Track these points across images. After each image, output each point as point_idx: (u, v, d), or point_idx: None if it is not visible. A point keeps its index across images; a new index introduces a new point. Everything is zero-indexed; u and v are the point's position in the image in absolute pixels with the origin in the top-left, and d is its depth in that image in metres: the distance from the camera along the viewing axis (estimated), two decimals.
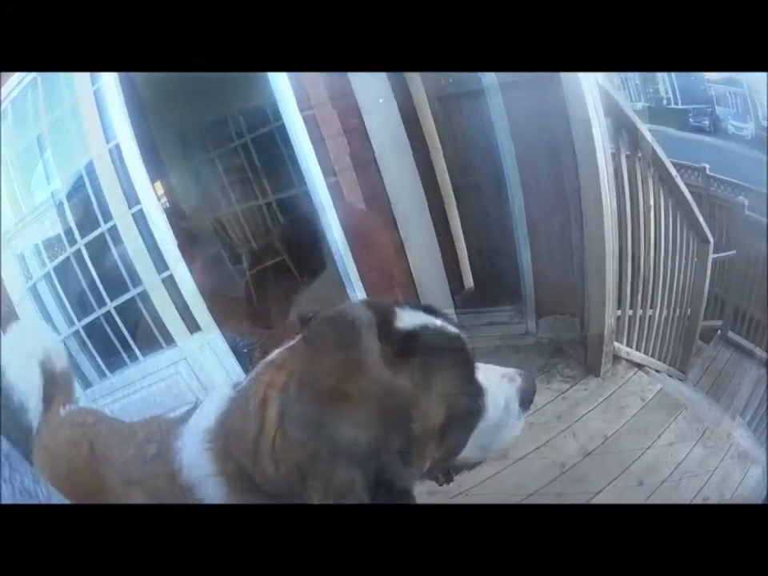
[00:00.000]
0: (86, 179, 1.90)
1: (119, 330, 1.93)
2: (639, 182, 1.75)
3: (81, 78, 1.85)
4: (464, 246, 2.16)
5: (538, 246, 1.82)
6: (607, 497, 1.51)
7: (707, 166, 3.33)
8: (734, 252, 3.03)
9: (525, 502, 1.49)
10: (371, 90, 1.76)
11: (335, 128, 1.72)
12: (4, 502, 0.34)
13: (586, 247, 1.67)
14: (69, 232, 1.95)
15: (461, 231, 2.14)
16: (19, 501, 0.35)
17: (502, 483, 1.56)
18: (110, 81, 1.82)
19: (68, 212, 1.96)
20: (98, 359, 1.97)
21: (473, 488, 1.56)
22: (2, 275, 1.85)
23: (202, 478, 0.53)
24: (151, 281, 1.83)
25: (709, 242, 2.19)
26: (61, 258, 1.96)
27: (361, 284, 1.73)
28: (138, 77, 1.96)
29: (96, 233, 1.87)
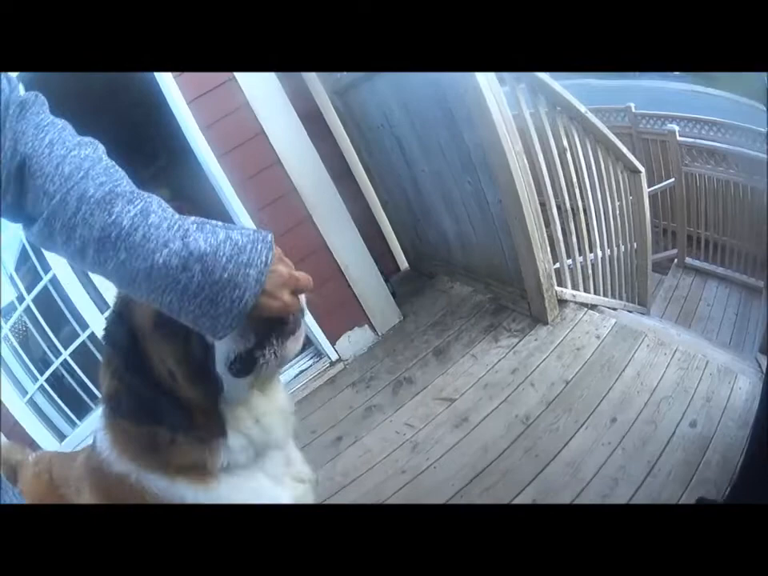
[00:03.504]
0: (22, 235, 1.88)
1: (78, 376, 1.88)
2: (546, 125, 1.66)
3: None
4: (390, 229, 2.09)
5: (455, 210, 1.74)
6: (580, 441, 1.40)
7: (632, 105, 3.26)
8: (673, 180, 2.92)
9: (494, 465, 1.39)
10: (267, 97, 1.72)
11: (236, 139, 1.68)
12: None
13: (501, 199, 1.58)
14: (19, 297, 1.93)
15: (384, 216, 2.08)
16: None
17: (467, 449, 1.45)
18: None
19: (15, 276, 1.95)
20: (66, 409, 1.93)
21: (438, 459, 1.47)
22: None
23: (98, 432, 0.61)
24: (97, 322, 1.78)
25: (640, 172, 2.07)
26: (14, 317, 1.93)
27: None
28: None
29: (40, 285, 1.84)
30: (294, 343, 0.53)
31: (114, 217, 0.39)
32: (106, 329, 0.58)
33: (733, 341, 2.46)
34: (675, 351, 1.58)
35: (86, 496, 0.63)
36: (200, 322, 0.41)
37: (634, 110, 3.01)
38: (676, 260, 2.79)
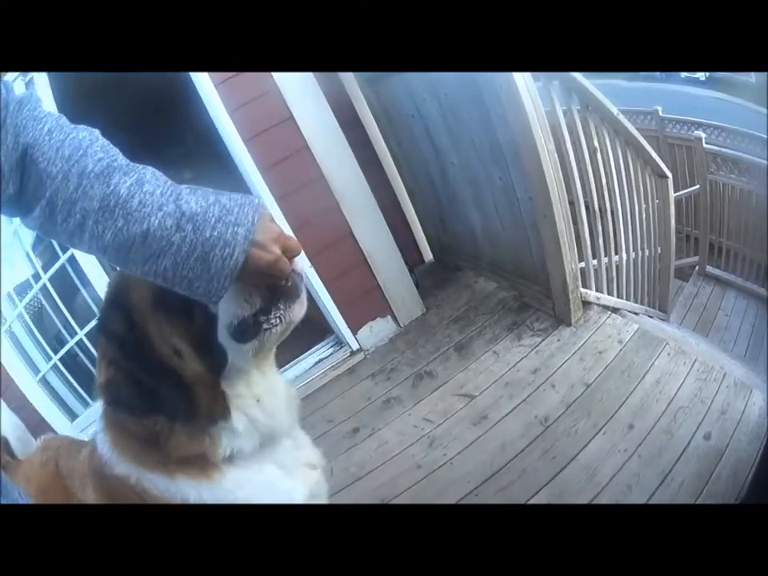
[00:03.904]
0: None
1: (93, 356, 1.86)
2: (579, 125, 1.64)
3: None
4: (416, 219, 2.08)
5: (484, 204, 1.72)
6: (597, 446, 1.38)
7: (659, 108, 3.23)
8: (698, 187, 2.89)
9: (511, 464, 1.38)
10: (296, 82, 1.70)
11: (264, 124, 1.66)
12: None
13: (531, 196, 1.56)
14: (35, 275, 1.92)
15: (410, 206, 2.06)
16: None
17: (485, 447, 1.44)
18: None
19: (32, 254, 1.93)
20: (79, 388, 1.92)
21: (455, 456, 1.46)
22: None
23: (98, 434, 0.60)
24: None
25: (667, 177, 2.05)
26: (29, 296, 1.92)
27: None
28: None
29: (57, 265, 1.83)
30: (299, 307, 0.53)
31: (112, 187, 0.42)
32: (100, 320, 0.58)
33: (748, 353, 2.45)
34: (695, 361, 1.56)
35: (89, 493, 0.63)
36: (195, 287, 0.43)
37: (660, 113, 2.98)
38: (697, 267, 2.77)
